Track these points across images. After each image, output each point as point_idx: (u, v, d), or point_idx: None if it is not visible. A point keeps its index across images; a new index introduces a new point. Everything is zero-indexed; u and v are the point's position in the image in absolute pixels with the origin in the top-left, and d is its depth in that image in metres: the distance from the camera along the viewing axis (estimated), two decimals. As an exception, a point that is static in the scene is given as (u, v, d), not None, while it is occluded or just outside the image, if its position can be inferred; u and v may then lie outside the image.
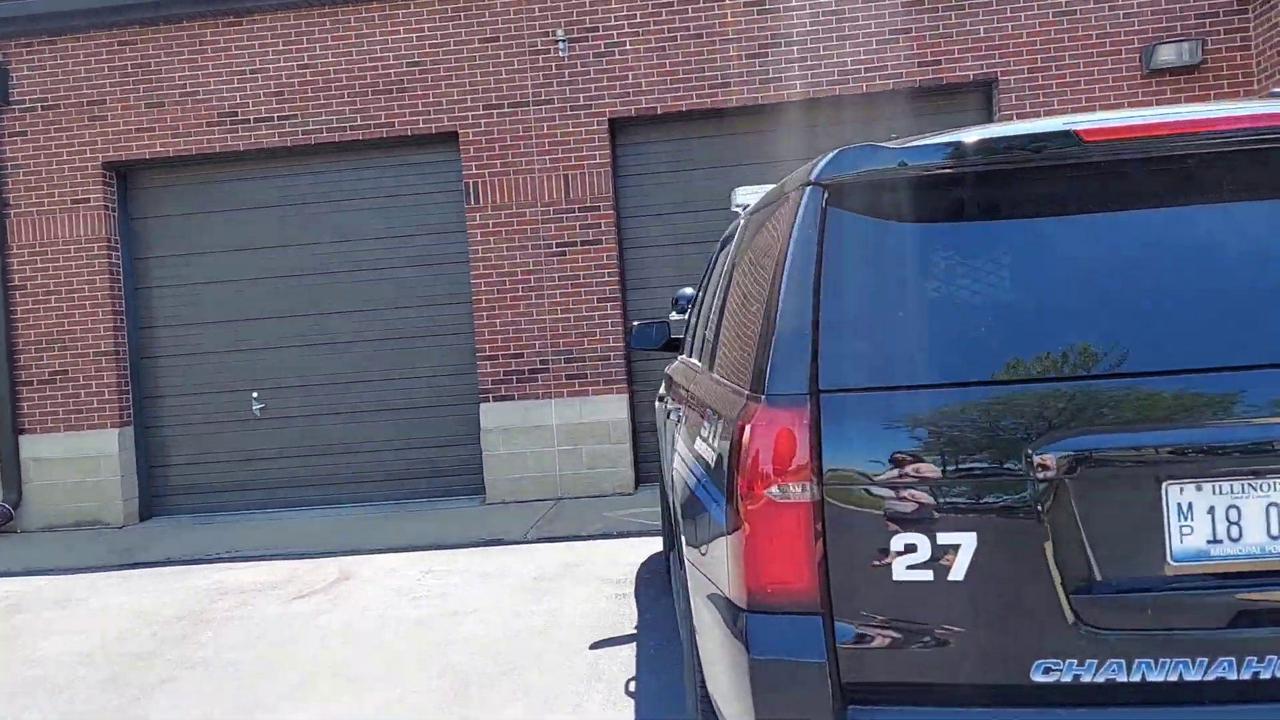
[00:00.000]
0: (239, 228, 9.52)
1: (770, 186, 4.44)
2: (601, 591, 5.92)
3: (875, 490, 2.22)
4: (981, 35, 8.81)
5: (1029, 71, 8.85)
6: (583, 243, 9.02)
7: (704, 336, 3.76)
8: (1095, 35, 8.80)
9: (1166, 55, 8.66)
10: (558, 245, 9.04)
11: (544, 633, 5.21)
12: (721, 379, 2.85)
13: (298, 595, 6.33)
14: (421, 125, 9.10)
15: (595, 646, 4.96)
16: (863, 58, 8.85)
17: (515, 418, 9.05)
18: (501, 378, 9.08)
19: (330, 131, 9.17)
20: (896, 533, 2.20)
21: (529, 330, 9.06)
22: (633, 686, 4.40)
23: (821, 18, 8.86)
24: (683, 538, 2.96)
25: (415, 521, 8.37)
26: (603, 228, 9.02)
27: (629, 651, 4.85)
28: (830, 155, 2.42)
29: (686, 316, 5.57)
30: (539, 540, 7.39)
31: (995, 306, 2.25)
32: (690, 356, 4.43)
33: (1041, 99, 8.85)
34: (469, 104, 9.06)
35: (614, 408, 9.01)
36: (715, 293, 3.68)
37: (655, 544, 6.98)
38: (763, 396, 2.31)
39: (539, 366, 9.06)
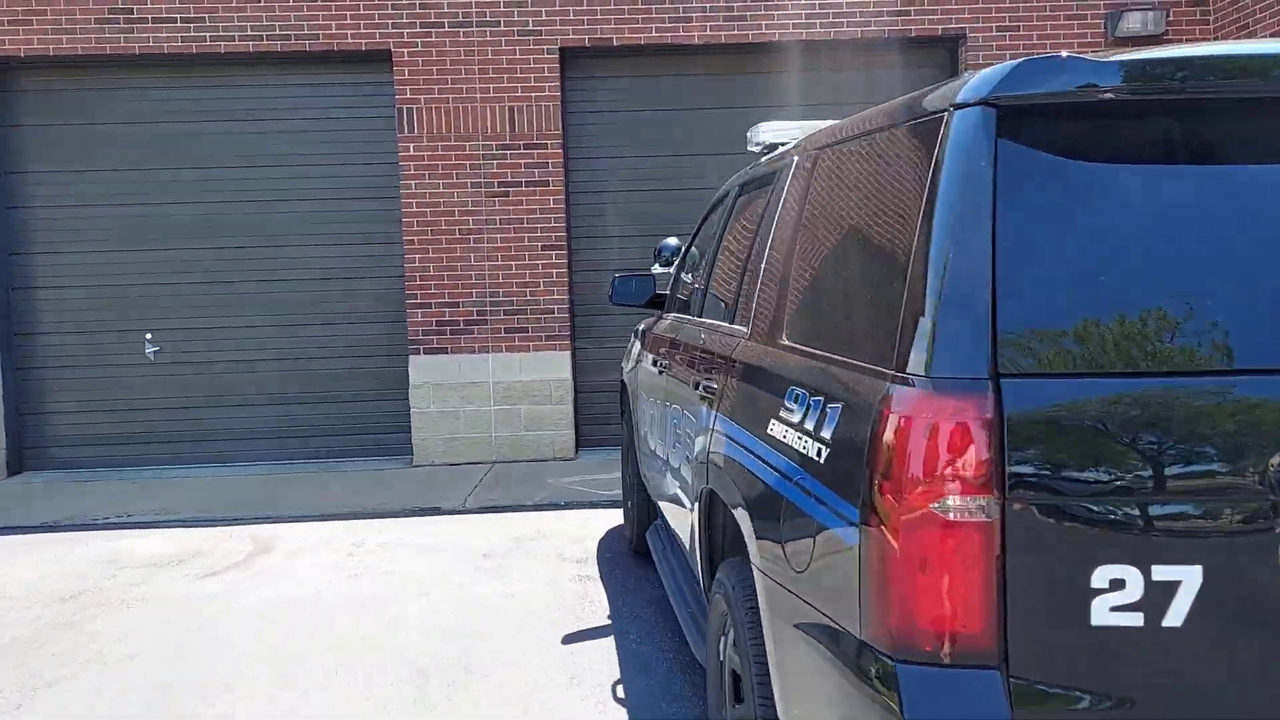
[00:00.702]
0: (133, 144, 8.54)
1: (801, 122, 3.94)
2: (562, 572, 5.39)
3: (1072, 508, 1.73)
4: (960, -17, 8.39)
5: (997, 30, 8.48)
6: (528, 183, 8.37)
7: (738, 295, 3.23)
8: (1072, -8, 8.46)
9: (1132, 23, 8.40)
10: (500, 185, 8.37)
11: (507, 620, 4.67)
12: (819, 350, 2.32)
13: (209, 572, 5.64)
14: (351, 40, 8.28)
15: (569, 640, 4.44)
16: (832, 2, 8.34)
17: (448, 373, 8.40)
18: (434, 328, 8.41)
19: (244, 40, 8.27)
20: (1098, 564, 1.73)
21: (465, 277, 8.40)
22: (621, 691, 3.90)
23: (794, -48, 8.31)
24: (755, 544, 2.44)
25: (338, 485, 7.69)
26: (550, 168, 8.37)
27: (608, 647, 4.35)
28: (1009, 67, 1.91)
29: (675, 270, 5.03)
30: (480, 510, 6.81)
31: (1234, 274, 1.78)
32: (701, 316, 3.90)
33: (1008, 59, 8.46)
34: (405, 20, 8.27)
35: (556, 365, 8.44)
36: (756, 245, 3.15)
37: (612, 517, 6.47)
38: (919, 379, 1.80)
39: (475, 318, 8.42)
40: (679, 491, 3.70)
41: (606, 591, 5.07)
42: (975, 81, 1.92)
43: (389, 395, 8.64)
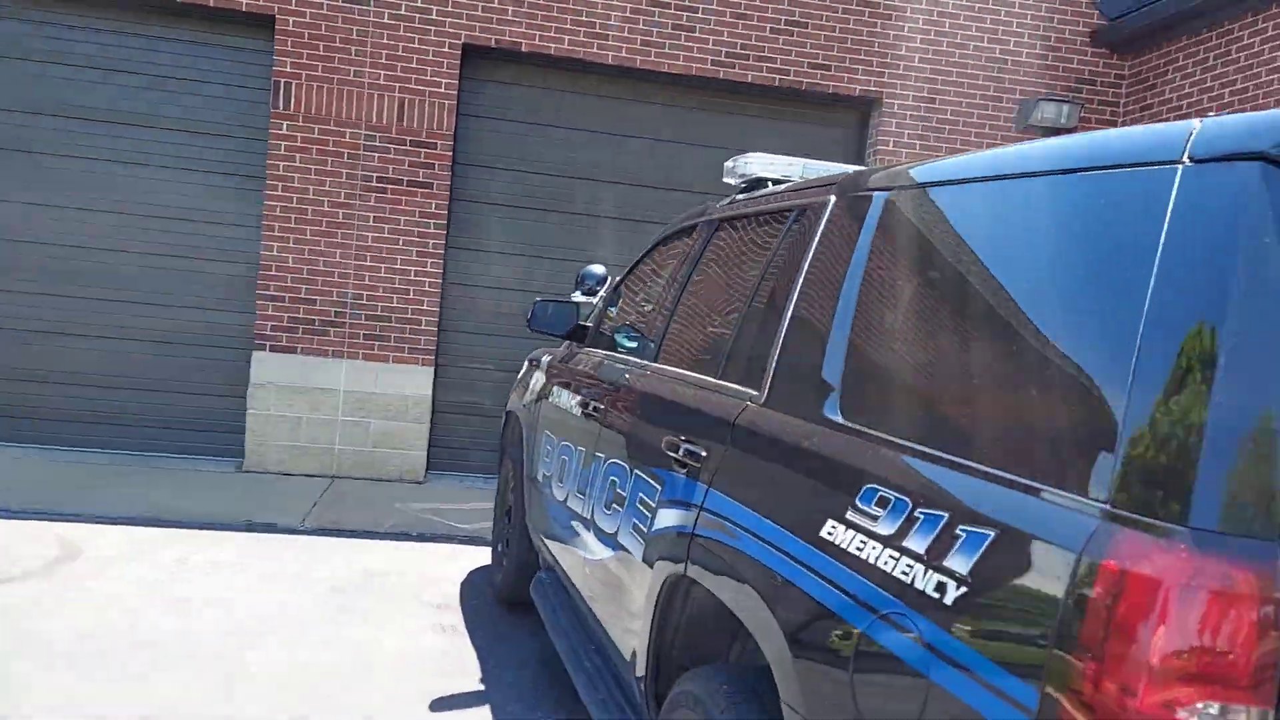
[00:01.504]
0: (-39, 75, 7.33)
1: (792, 158, 3.43)
2: (423, 618, 4.67)
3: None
4: (876, 49, 8.19)
5: (913, 99, 8.32)
6: (409, 183, 7.60)
7: (741, 350, 2.68)
8: (981, 78, 8.40)
9: (1047, 113, 8.41)
10: (379, 180, 7.56)
11: (366, 679, 3.92)
12: (921, 444, 1.79)
13: (3, 578, 4.62)
14: None
15: (437, 707, 3.74)
16: (754, 43, 7.99)
17: (294, 374, 7.49)
18: (285, 324, 7.48)
19: (110, -20, 7.22)
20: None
21: (327, 274, 7.53)
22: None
23: (719, -12, 7.91)
24: (795, 681, 1.87)
25: (161, 484, 6.66)
26: (436, 170, 7.63)
27: (483, 718, 3.68)
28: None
29: (602, 302, 4.43)
30: (322, 531, 5.96)
31: None
32: (657, 361, 3.32)
33: (920, 131, 8.35)
34: (298, -12, 7.40)
35: (416, 381, 7.65)
36: (775, 294, 2.62)
37: (475, 556, 5.76)
38: (1165, 527, 1.28)
39: (333, 319, 7.55)
40: (614, 563, 3.10)
41: (475, 647, 4.39)
42: (1240, 128, 1.43)
43: (227, 391, 7.64)
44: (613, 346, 4.11)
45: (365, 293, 7.57)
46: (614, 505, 3.16)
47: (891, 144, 8.32)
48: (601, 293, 4.60)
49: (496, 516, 5.38)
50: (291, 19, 7.42)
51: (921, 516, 1.67)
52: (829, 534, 1.89)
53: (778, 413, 2.32)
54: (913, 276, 2.11)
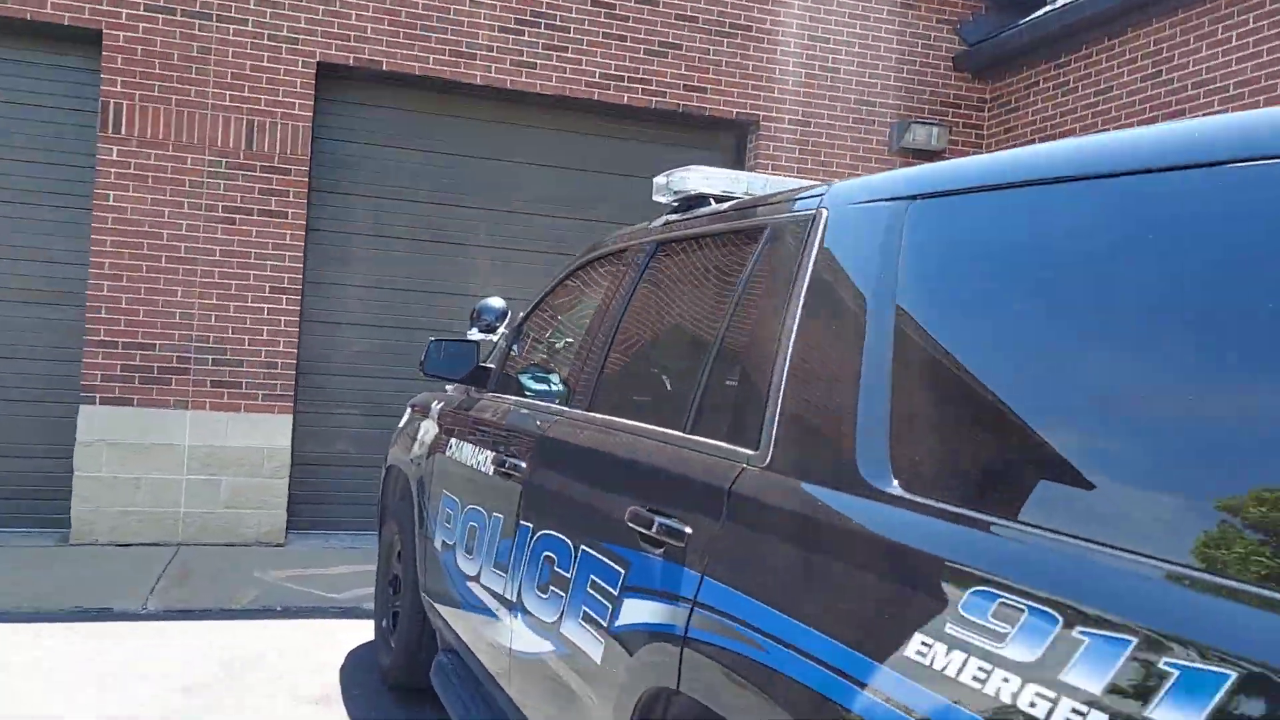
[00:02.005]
0: None
1: (734, 171, 2.93)
2: (302, 717, 3.91)
3: None
4: (750, 72, 7.86)
5: (789, 122, 8.04)
6: (261, 212, 6.79)
7: (716, 399, 2.15)
8: (853, 100, 8.20)
9: (918, 135, 8.26)
10: (226, 210, 6.73)
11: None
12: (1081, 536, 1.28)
13: None
14: (51, 11, 6.41)
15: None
16: (628, 65, 7.53)
17: (130, 429, 6.54)
18: (118, 374, 6.54)
19: (-100, -13, 6.20)
20: None
21: (167, 315, 6.63)
22: None
23: (590, 7, 7.43)
24: None
25: (-40, 565, 5.63)
26: (290, 198, 6.85)
27: None
28: None
29: (506, 341, 3.82)
30: (168, 614, 5.10)
31: None
32: (590, 410, 2.75)
33: (797, 154, 8.06)
34: (126, -2, 6.54)
35: (273, 431, 6.82)
36: (757, 335, 2.11)
37: (354, 631, 5.00)
38: None
39: (175, 366, 6.65)
40: (559, 663, 2.49)
41: (367, 753, 3.68)
42: None
43: (47, 452, 6.62)
44: (524, 391, 3.51)
45: (212, 334, 6.70)
46: (553, 589, 2.56)
47: (770, 167, 8.00)
48: (502, 329, 4.00)
49: (379, 587, 4.66)
50: (121, 34, 6.54)
51: (1088, 640, 1.16)
52: (920, 654, 1.36)
53: (791, 479, 1.79)
54: (980, 295, 1.62)
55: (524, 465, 2.96)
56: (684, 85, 7.68)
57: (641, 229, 3.05)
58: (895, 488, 1.56)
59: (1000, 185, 1.65)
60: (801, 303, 1.95)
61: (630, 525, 2.18)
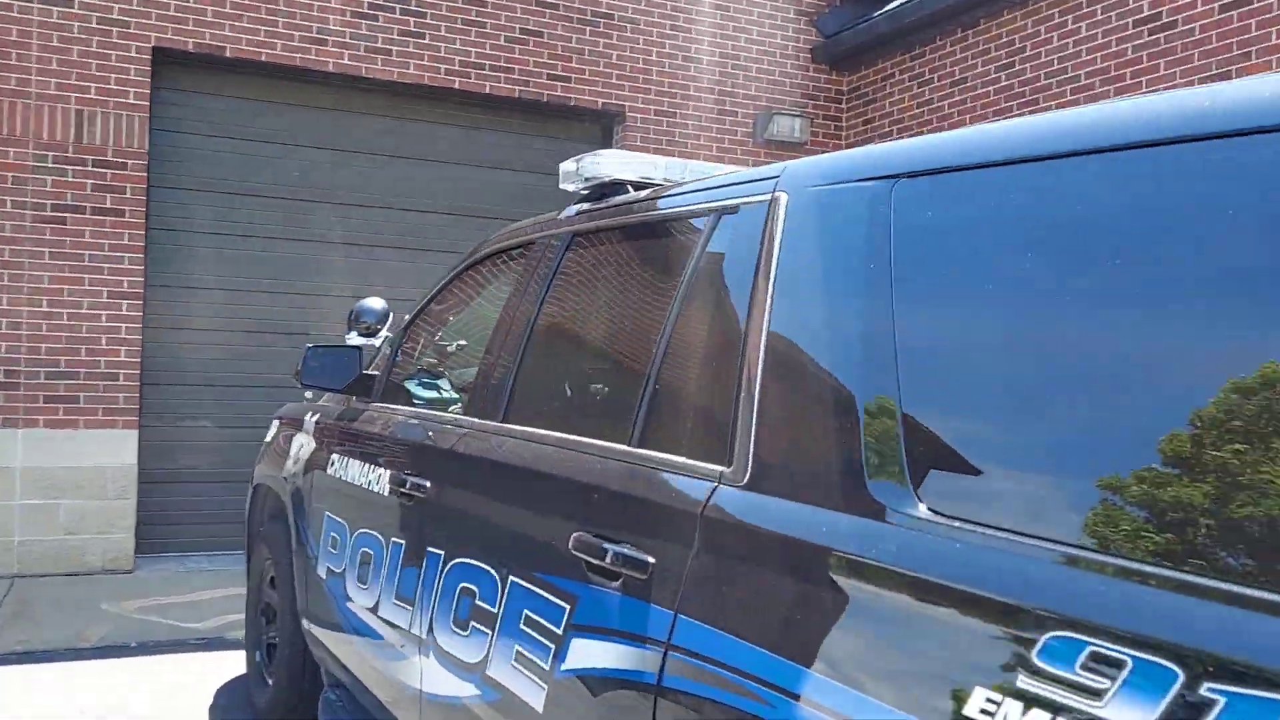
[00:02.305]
0: None
1: (649, 155, 2.68)
2: (169, 774, 3.47)
3: None
4: (614, 62, 7.63)
5: (655, 113, 7.85)
6: (95, 210, 6.14)
7: (674, 407, 1.91)
8: (717, 91, 8.08)
9: (781, 127, 8.21)
10: (55, 208, 6.06)
11: None
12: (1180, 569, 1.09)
13: None
14: None
15: None
16: (489, 52, 7.18)
17: (-49, 453, 5.82)
18: (-66, 391, 5.80)
19: None
20: None
21: (-10, 325, 5.92)
22: None
23: (449, -8, 7.04)
24: None
25: None
26: (128, 194, 6.23)
27: None
28: None
29: (391, 345, 3.45)
30: (6, 659, 4.51)
31: None
32: (505, 420, 2.45)
33: (664, 146, 7.88)
34: (-72, -27, 5.79)
35: (116, 448, 6.19)
36: (718, 332, 1.88)
37: (219, 665, 4.53)
38: None
39: (3, 380, 5.94)
40: (486, 711, 2.19)
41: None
42: None
43: None
44: (415, 400, 3.17)
45: (45, 345, 6.02)
46: (475, 625, 2.26)
47: (638, 159, 7.79)
48: (384, 332, 3.64)
49: (250, 617, 4.22)
50: (-79, 12, 5.79)
51: (1222, 699, 0.96)
52: (987, 713, 1.14)
53: (779, 499, 1.55)
54: (995, 280, 1.41)
55: (428, 484, 2.64)
56: (548, 74, 7.38)
57: (549, 219, 2.77)
58: (920, 510, 1.34)
59: (1008, 161, 1.45)
60: (770, 297, 1.72)
61: (575, 554, 1.91)
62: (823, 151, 8.27)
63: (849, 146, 8.90)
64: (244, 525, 4.42)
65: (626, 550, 1.79)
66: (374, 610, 2.87)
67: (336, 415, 3.57)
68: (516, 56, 7.29)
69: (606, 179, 2.60)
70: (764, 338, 1.70)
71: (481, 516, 2.40)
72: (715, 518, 1.65)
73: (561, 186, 2.80)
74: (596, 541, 1.86)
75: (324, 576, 3.32)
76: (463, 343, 3.31)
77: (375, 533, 2.92)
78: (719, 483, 1.68)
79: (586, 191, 2.68)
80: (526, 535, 2.17)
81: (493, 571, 2.22)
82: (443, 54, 7.03)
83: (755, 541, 1.58)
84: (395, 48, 6.90)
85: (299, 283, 6.82)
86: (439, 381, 3.14)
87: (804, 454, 1.60)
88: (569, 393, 2.47)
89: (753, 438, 1.65)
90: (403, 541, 2.73)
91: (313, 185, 6.89)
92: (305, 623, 3.56)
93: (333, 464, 3.38)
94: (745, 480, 1.64)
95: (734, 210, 1.96)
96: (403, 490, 2.76)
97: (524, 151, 7.58)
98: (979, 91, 7.62)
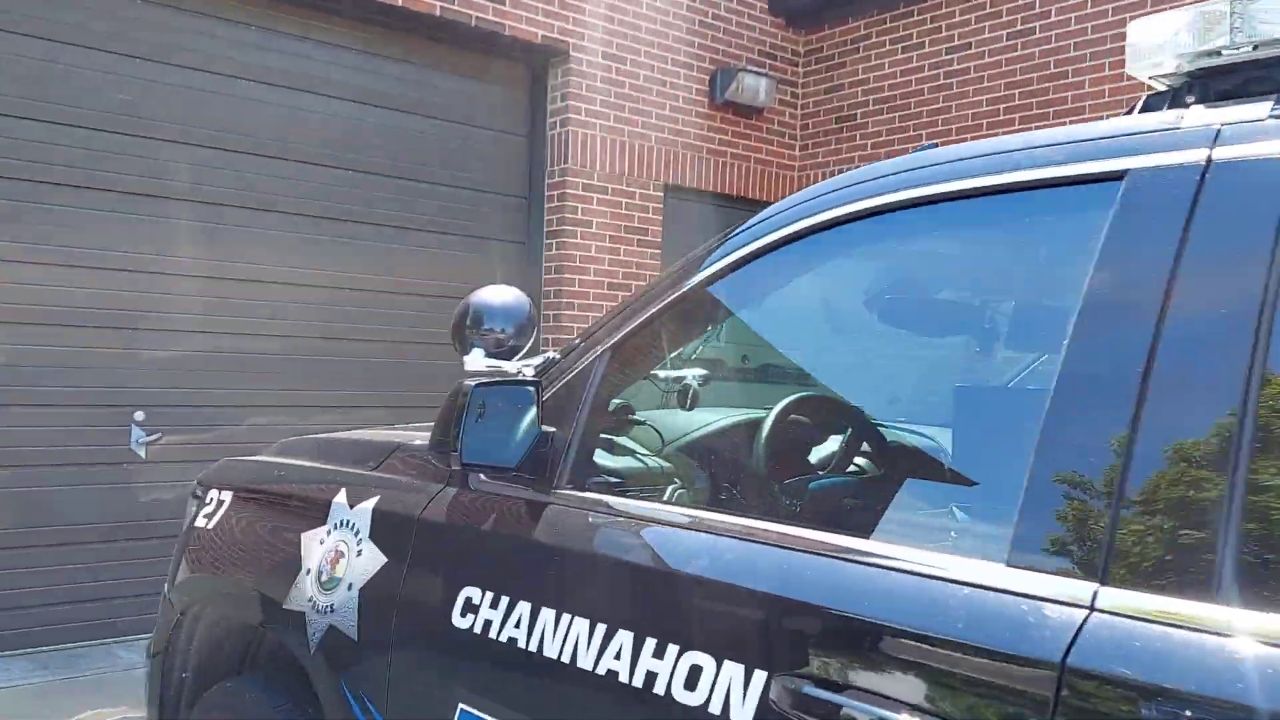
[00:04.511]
0: None
1: None
2: None
3: None
4: (555, -13, 5.97)
5: (603, 57, 6.26)
6: None
7: None
8: (670, 38, 6.60)
9: (746, 84, 6.84)
10: None
11: None
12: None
13: None
14: None
15: None
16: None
17: None
18: None
19: None
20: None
21: None
22: None
23: None
24: None
25: None
26: None
27: None
28: None
29: (583, 382, 1.70)
30: None
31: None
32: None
33: (613, 97, 6.31)
34: None
35: None
36: None
37: None
38: None
39: None
40: None
41: None
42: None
43: None
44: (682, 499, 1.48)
45: None
46: None
47: (584, 111, 6.16)
48: (523, 351, 1.87)
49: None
50: None
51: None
52: None
53: None
54: None
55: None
56: (476, -10, 5.62)
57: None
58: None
59: None
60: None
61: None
62: (785, 118, 7.02)
63: (805, 113, 7.66)
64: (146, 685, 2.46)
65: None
66: None
67: (458, 505, 1.77)
68: (436, -38, 5.48)
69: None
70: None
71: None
72: None
73: (1132, 69, 1.26)
74: None
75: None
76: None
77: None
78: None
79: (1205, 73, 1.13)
80: None
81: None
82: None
83: None
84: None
85: (120, 254, 4.70)
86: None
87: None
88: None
89: None
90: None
91: (147, 116, 4.77)
92: None
93: (473, 609, 1.61)
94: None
95: None
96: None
97: (440, 93, 5.78)
98: (986, 60, 6.55)
